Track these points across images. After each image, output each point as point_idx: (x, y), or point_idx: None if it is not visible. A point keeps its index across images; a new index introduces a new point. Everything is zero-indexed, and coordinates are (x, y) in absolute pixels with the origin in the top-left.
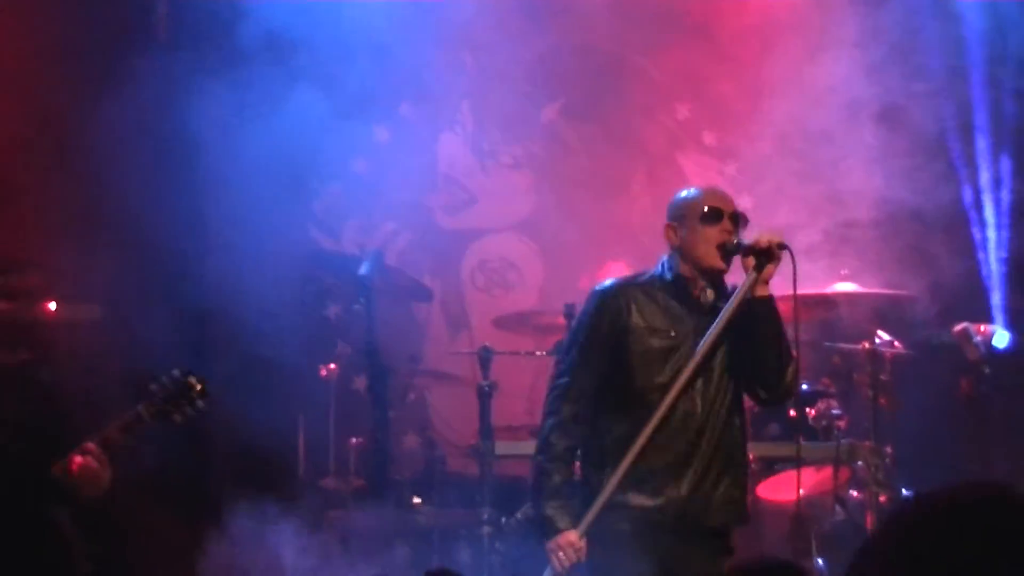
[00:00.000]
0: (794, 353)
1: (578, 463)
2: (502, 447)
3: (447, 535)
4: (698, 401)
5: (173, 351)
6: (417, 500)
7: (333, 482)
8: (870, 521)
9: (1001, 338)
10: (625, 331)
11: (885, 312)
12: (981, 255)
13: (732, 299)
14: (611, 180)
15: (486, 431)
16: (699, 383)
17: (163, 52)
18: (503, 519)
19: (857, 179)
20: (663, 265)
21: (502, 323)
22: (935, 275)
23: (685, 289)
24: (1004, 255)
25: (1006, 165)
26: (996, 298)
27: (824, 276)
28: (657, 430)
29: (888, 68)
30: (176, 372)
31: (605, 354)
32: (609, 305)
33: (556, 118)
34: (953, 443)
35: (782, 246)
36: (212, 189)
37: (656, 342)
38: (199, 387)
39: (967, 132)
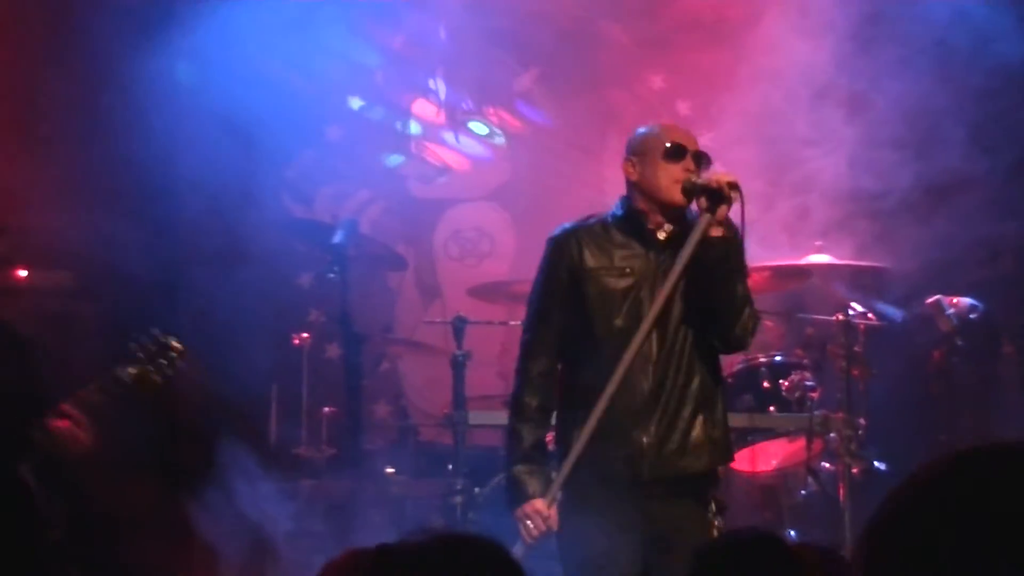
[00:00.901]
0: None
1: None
2: (475, 417)
3: (420, 505)
4: (654, 344)
5: (146, 318)
6: (390, 470)
7: (306, 451)
8: (842, 493)
9: (972, 309)
10: (580, 275)
11: (859, 283)
12: (949, 230)
13: (688, 241)
14: (585, 150)
15: (459, 401)
16: (655, 318)
17: (117, 15)
18: (476, 489)
19: (832, 152)
20: (617, 204)
21: (476, 292)
22: (907, 248)
23: (640, 224)
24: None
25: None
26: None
27: (798, 247)
28: (624, 379)
29: (867, 49)
30: (156, 332)
31: (565, 303)
32: (561, 251)
33: (531, 87)
34: (925, 414)
35: (734, 186)
36: (180, 151)
37: (613, 282)
38: (179, 347)
39: (932, 115)
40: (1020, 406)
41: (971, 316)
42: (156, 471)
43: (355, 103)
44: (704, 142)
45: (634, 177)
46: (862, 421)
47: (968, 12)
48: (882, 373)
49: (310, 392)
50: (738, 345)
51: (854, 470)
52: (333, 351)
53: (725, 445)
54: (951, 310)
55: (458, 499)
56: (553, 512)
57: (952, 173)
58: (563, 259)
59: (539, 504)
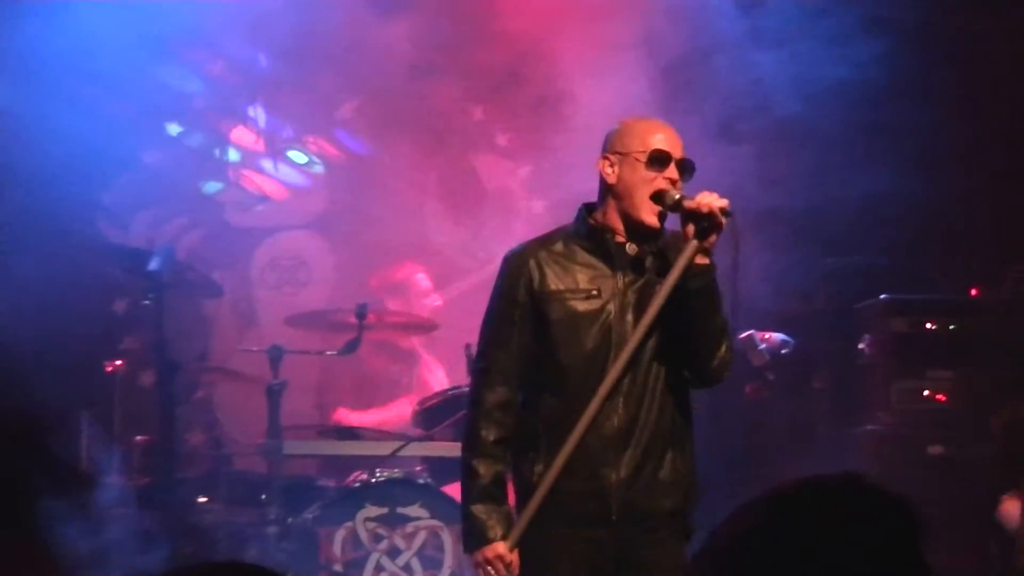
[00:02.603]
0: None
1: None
2: (290, 446)
3: (233, 534)
4: (625, 376)
5: None
6: (203, 499)
7: (117, 479)
8: None
9: (784, 344)
10: (542, 298)
11: None
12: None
13: (673, 269)
14: (404, 180)
15: (274, 430)
16: (623, 345)
17: None
18: (289, 519)
19: None
20: (578, 214)
21: (293, 321)
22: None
23: (604, 239)
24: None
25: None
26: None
27: None
28: (583, 404)
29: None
30: None
31: (523, 327)
32: (520, 271)
33: (351, 116)
34: (737, 448)
35: (727, 212)
36: None
37: (579, 305)
38: None
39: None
40: (832, 440)
41: (783, 351)
42: None
43: (173, 129)
44: (524, 174)
45: (611, 179)
46: None
47: (759, 72)
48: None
49: (122, 420)
50: (714, 379)
51: None
52: (147, 379)
53: (691, 482)
54: (763, 345)
55: (271, 529)
56: (515, 557)
57: (764, 208)
58: (521, 280)
59: (500, 548)
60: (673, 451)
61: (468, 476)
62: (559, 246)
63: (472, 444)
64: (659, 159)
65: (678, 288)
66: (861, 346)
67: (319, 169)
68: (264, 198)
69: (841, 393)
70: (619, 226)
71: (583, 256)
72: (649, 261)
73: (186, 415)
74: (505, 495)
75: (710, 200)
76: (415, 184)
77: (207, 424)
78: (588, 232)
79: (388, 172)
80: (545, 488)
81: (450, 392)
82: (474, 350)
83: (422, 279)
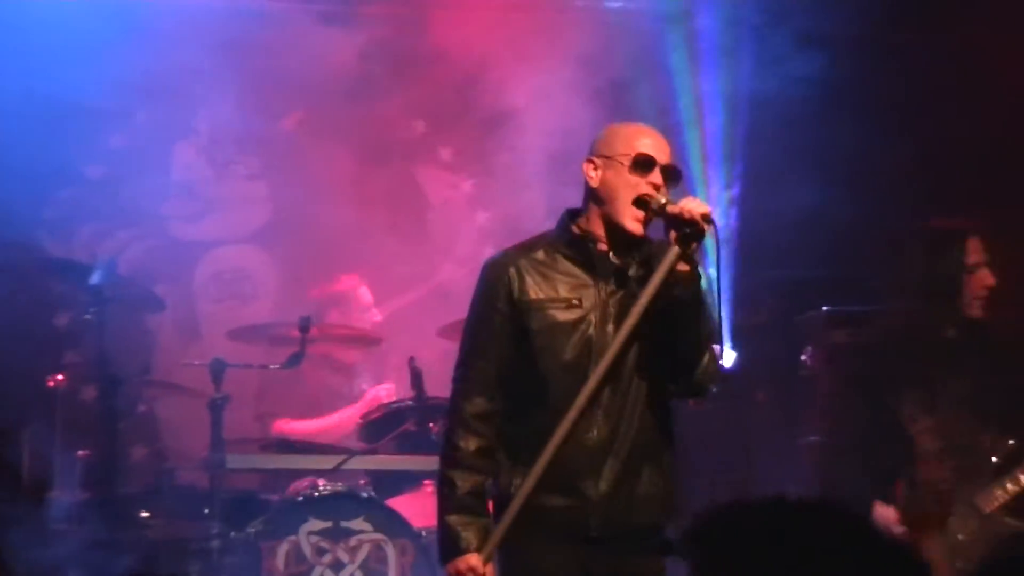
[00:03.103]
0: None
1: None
2: (233, 460)
3: (176, 549)
4: (606, 388)
5: None
6: (145, 514)
7: (59, 494)
8: None
9: (727, 357)
10: (522, 308)
11: None
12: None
13: (653, 277)
14: (348, 193)
15: (217, 444)
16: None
17: None
18: (232, 533)
19: None
20: (561, 221)
21: (236, 335)
22: None
23: (587, 247)
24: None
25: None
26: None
27: None
28: (561, 418)
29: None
30: None
31: (503, 335)
32: (500, 279)
33: (295, 129)
34: (678, 462)
35: (708, 219)
36: None
37: (560, 315)
38: None
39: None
40: (774, 453)
41: (727, 365)
42: None
43: (115, 141)
44: (467, 188)
45: (594, 182)
46: None
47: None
48: None
49: (64, 435)
50: (699, 391)
51: None
52: (89, 393)
53: (671, 498)
54: None
55: (214, 543)
56: (490, 569)
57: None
58: (502, 288)
59: (474, 560)
60: (652, 465)
61: (445, 487)
62: (540, 254)
63: (450, 455)
64: (643, 163)
65: (660, 297)
66: (803, 358)
67: (262, 182)
68: (207, 211)
69: (784, 405)
70: (602, 233)
71: (564, 265)
72: (633, 271)
73: (128, 429)
74: (483, 507)
75: (693, 206)
76: (358, 197)
77: (149, 438)
78: (570, 240)
79: (331, 185)
80: (520, 500)
81: (393, 405)
82: (418, 363)
83: (364, 293)
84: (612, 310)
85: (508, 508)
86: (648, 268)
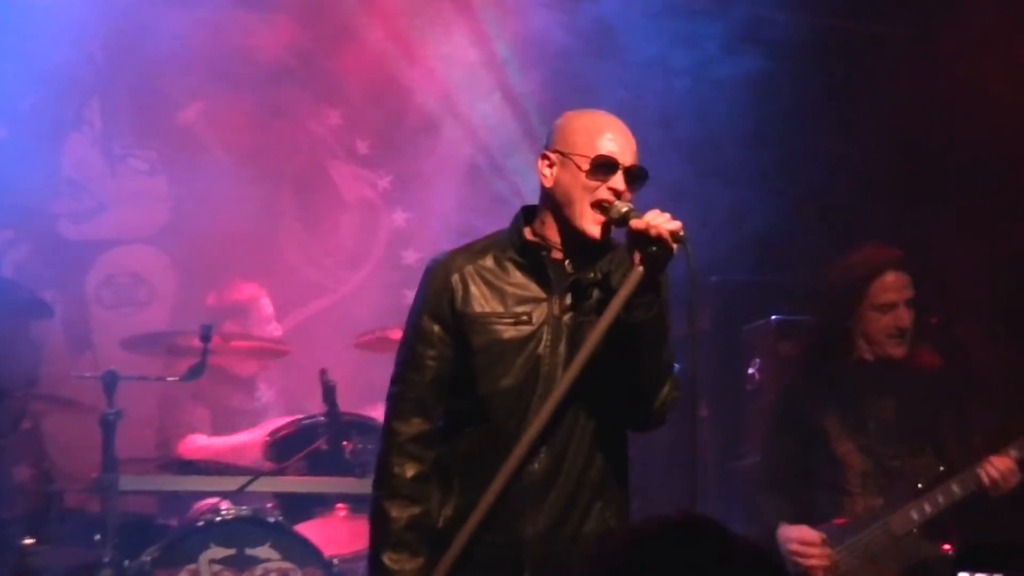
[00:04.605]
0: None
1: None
2: (127, 481)
3: None
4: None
5: None
6: (29, 540)
7: None
8: None
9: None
10: (465, 320)
11: None
12: None
13: (613, 300)
14: (254, 190)
15: (109, 463)
16: (554, 381)
17: None
18: (126, 562)
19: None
20: (514, 222)
21: (131, 344)
22: None
23: (540, 255)
24: None
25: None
26: None
27: None
28: (505, 444)
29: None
30: None
31: (443, 349)
32: (443, 286)
33: (196, 120)
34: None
35: (679, 238)
36: None
37: (505, 332)
38: None
39: None
40: (718, 469)
41: None
42: None
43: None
44: (384, 185)
45: (548, 182)
46: None
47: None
48: None
49: None
50: (654, 422)
51: None
52: None
53: None
54: None
55: (106, 572)
56: None
57: None
58: (443, 297)
59: None
60: (602, 501)
61: (378, 519)
62: (489, 260)
63: (384, 482)
64: (604, 166)
65: (619, 321)
66: (750, 371)
67: (161, 178)
68: (100, 209)
69: (729, 422)
70: (557, 239)
71: (515, 274)
72: (592, 282)
73: (11, 447)
74: (421, 541)
75: (660, 221)
76: (265, 195)
77: (35, 457)
78: (522, 246)
79: (236, 181)
80: (460, 544)
81: (303, 422)
82: (330, 376)
83: (264, 304)
84: (565, 328)
85: (447, 551)
86: (609, 281)
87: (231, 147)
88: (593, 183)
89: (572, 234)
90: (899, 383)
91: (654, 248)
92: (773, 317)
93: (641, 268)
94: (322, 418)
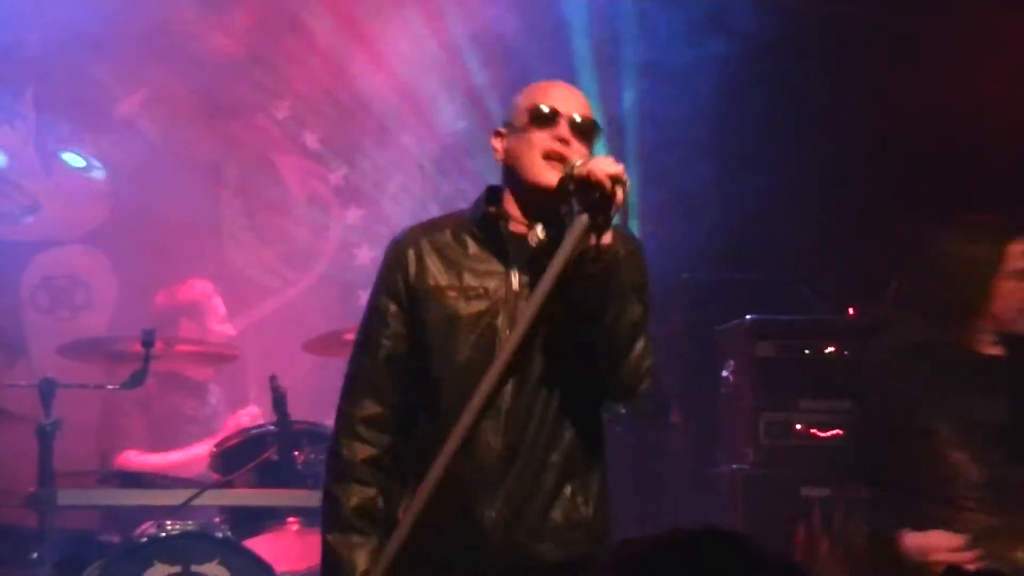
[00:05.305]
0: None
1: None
2: (67, 496)
3: None
4: (508, 391)
5: None
6: None
7: None
8: None
9: None
10: (420, 295)
11: None
12: None
13: (558, 253)
14: (198, 186)
15: (47, 477)
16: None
17: None
18: None
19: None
20: (477, 199)
21: (68, 350)
22: None
23: (499, 227)
24: None
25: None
26: None
27: None
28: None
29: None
30: None
31: (398, 328)
32: (399, 260)
33: (136, 112)
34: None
35: (618, 180)
36: None
37: (460, 307)
38: None
39: None
40: (686, 475)
41: None
42: None
43: None
44: (336, 179)
45: (500, 156)
46: None
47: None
48: None
49: None
50: (626, 392)
51: None
52: None
53: (599, 527)
54: None
55: None
56: None
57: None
58: (399, 272)
59: None
60: (572, 486)
61: (327, 503)
62: (447, 234)
63: (333, 466)
64: (543, 116)
65: (571, 277)
66: (724, 374)
67: (99, 174)
68: (35, 207)
69: (702, 428)
70: (518, 212)
71: (473, 247)
72: (545, 250)
73: None
74: (372, 524)
75: (602, 166)
76: (210, 191)
77: None
78: (481, 219)
79: (179, 177)
80: (407, 522)
81: (252, 432)
82: (280, 382)
83: (218, 303)
84: (520, 298)
85: (395, 531)
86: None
87: (173, 140)
88: (538, 135)
89: (531, 198)
90: (1012, 379)
91: (596, 195)
92: (748, 317)
93: (585, 216)
94: (272, 427)
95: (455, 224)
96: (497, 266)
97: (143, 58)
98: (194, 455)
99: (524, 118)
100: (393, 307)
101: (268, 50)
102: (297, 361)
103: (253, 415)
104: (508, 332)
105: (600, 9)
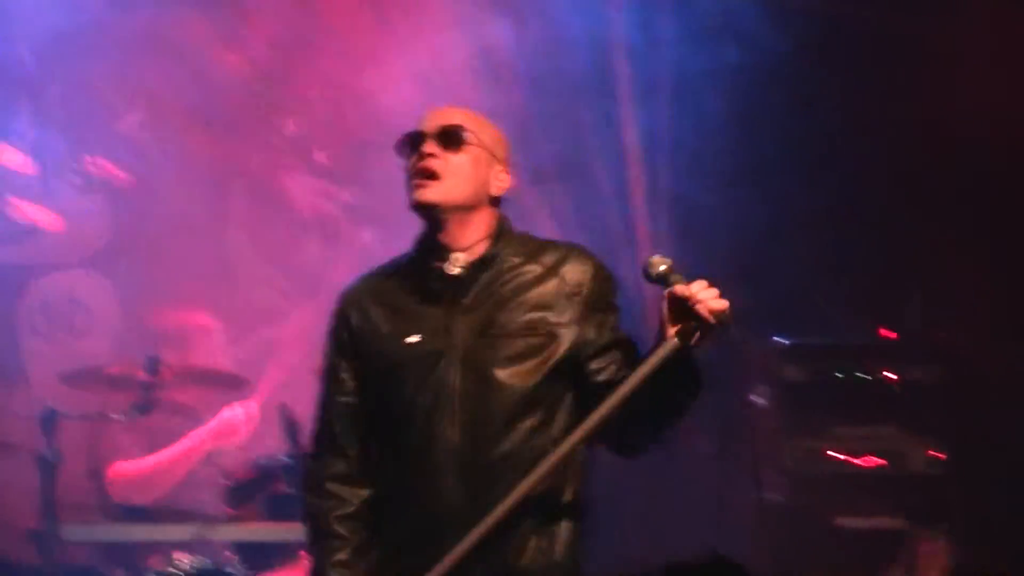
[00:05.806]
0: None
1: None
2: (70, 531)
3: None
4: (457, 426)
5: None
6: None
7: None
8: None
9: None
10: (362, 346)
11: None
12: None
13: (639, 368)
14: (204, 206)
15: (49, 511)
16: (463, 398)
17: None
18: None
19: None
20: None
21: (69, 378)
22: None
23: (426, 264)
24: None
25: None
26: None
27: None
28: (415, 475)
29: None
30: None
31: (352, 381)
32: (342, 313)
33: (137, 130)
34: (601, 524)
35: (724, 320)
36: None
37: (401, 353)
38: None
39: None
40: (713, 511)
41: None
42: None
43: None
44: (346, 198)
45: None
46: None
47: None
48: None
49: None
50: (641, 451)
51: None
52: None
53: (570, 573)
54: None
55: None
56: None
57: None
58: (344, 327)
59: None
60: (540, 531)
61: (311, 565)
62: (391, 280)
63: (310, 528)
64: (406, 143)
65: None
66: (752, 398)
67: (100, 193)
68: (33, 230)
69: (729, 455)
70: (435, 244)
71: (412, 288)
72: (482, 278)
73: None
74: (367, 560)
75: (708, 296)
76: (214, 211)
77: None
78: (415, 255)
79: (182, 196)
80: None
81: (262, 462)
82: (290, 411)
83: (221, 327)
84: (459, 338)
85: None
86: (502, 275)
87: (177, 159)
88: (409, 163)
89: (427, 224)
90: None
91: (694, 324)
92: (775, 338)
93: (676, 341)
94: (284, 457)
95: (397, 267)
96: (429, 305)
97: (146, 74)
98: (181, 451)
99: (401, 152)
100: (343, 363)
101: (274, 66)
102: (308, 388)
103: (250, 414)
104: (449, 371)
105: (607, 29)
